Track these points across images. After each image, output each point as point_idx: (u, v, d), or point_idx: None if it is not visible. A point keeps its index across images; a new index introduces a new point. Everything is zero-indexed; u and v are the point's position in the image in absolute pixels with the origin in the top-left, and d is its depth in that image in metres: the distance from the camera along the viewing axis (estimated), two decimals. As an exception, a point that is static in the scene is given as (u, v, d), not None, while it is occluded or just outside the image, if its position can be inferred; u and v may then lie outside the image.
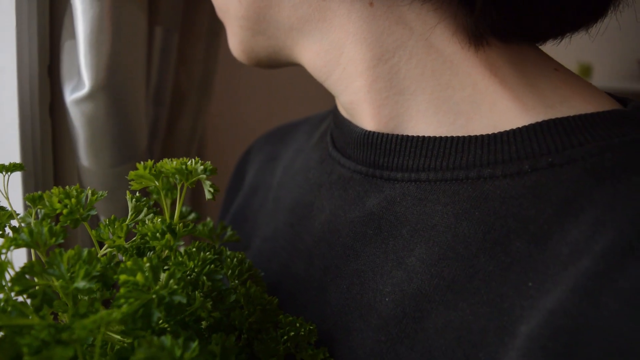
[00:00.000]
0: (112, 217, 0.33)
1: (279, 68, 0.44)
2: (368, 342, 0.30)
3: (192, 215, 0.44)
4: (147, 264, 0.28)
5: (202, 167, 0.28)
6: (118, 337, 0.29)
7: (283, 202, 0.45)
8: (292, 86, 0.97)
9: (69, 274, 0.28)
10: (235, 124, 0.90)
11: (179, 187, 0.30)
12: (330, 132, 0.43)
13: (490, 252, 0.28)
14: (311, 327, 0.31)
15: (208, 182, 0.29)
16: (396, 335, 0.29)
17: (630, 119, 0.29)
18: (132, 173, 0.29)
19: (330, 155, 0.42)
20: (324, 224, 0.38)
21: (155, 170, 0.29)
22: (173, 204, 0.39)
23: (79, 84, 0.52)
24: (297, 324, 0.31)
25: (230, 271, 0.35)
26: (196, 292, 0.30)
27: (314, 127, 0.52)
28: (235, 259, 0.36)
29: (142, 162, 0.29)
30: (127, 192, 0.35)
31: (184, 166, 0.28)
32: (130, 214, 0.34)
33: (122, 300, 0.26)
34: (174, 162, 0.28)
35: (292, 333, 0.30)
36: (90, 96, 0.50)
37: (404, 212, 0.32)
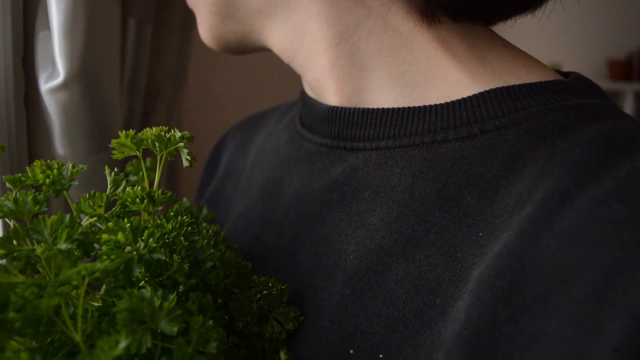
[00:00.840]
0: (92, 191, 0.34)
1: (248, 54, 0.46)
2: (334, 297, 0.33)
3: (170, 194, 0.46)
4: (128, 225, 0.30)
5: (180, 134, 0.30)
6: (99, 304, 0.30)
7: (255, 181, 0.47)
8: (265, 79, 0.99)
9: (51, 239, 0.29)
10: (209, 117, 0.92)
11: (158, 157, 0.32)
12: (299, 113, 0.46)
13: (444, 207, 0.30)
14: (283, 287, 0.33)
15: (186, 150, 0.31)
16: (360, 288, 0.32)
17: (570, 88, 0.32)
18: (114, 141, 0.31)
19: (298, 133, 0.44)
20: (292, 196, 0.40)
21: (136, 139, 0.31)
22: (151, 184, 0.41)
23: (54, 73, 0.53)
24: (270, 284, 0.33)
25: (205, 241, 0.37)
26: (174, 256, 0.32)
27: (284, 112, 0.54)
28: (210, 230, 0.38)
29: (123, 131, 0.31)
30: (106, 166, 0.36)
31: (163, 133, 0.30)
32: (109, 187, 0.35)
33: (105, 257, 0.28)
34: (154, 130, 0.30)
35: (265, 292, 0.32)
36: (64, 85, 0.51)
37: (366, 177, 0.35)
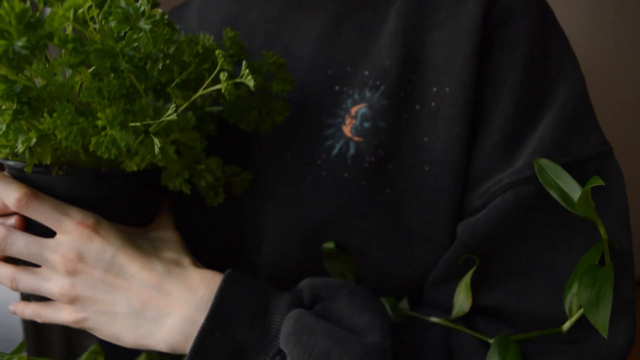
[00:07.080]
0: None
1: None
2: (310, 51, 0.48)
3: None
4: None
5: None
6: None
7: (210, 25, 0.56)
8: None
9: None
10: None
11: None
12: None
13: (359, 10, 0.48)
14: (281, 61, 0.45)
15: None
16: (327, 47, 0.48)
17: None
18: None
19: None
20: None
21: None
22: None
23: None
24: (273, 55, 0.45)
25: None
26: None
27: None
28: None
29: None
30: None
31: None
32: None
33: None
34: None
35: (272, 61, 0.45)
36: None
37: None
